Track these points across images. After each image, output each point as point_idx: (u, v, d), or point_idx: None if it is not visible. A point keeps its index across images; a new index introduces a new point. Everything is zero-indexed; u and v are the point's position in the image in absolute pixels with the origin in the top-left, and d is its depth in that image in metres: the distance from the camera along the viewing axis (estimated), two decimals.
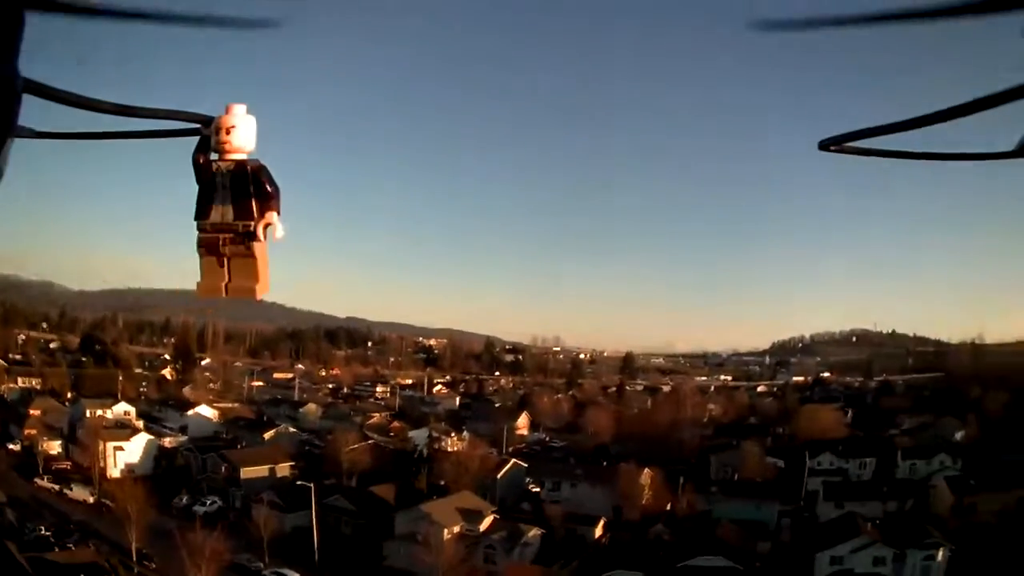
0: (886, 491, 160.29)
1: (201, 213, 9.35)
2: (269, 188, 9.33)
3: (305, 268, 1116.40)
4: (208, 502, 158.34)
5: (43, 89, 6.54)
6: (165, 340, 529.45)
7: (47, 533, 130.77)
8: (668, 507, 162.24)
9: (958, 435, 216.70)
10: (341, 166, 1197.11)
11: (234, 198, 9.28)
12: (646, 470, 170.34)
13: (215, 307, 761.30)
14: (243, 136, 9.23)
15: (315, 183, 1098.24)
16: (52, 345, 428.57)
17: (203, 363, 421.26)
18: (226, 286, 9.58)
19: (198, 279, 9.70)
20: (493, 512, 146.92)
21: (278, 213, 9.40)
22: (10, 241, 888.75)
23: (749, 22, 6.18)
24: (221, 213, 9.30)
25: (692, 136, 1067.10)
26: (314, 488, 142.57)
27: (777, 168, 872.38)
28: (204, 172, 9.32)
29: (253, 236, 9.31)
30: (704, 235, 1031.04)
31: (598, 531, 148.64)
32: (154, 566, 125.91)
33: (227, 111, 9.21)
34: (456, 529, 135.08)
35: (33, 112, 6.75)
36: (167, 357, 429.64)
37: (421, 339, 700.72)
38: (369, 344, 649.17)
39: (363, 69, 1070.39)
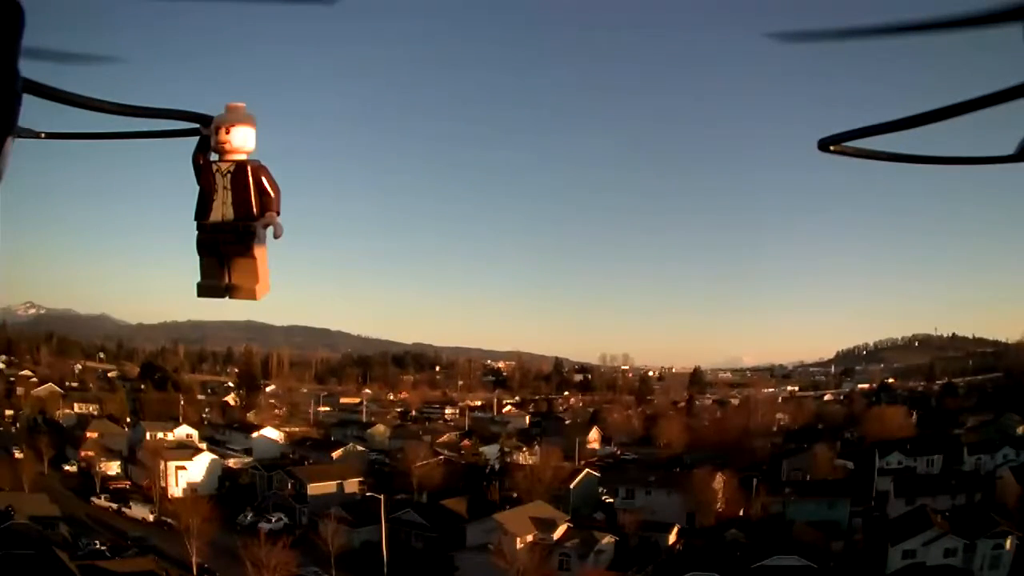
0: (954, 484, 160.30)
1: (201, 213, 9.09)
2: (269, 188, 9.07)
3: (369, 297, 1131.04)
4: (274, 519, 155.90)
5: (43, 89, 6.68)
6: (228, 369, 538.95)
7: (102, 547, 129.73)
8: (742, 511, 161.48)
9: (1020, 429, 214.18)
10: (382, 184, 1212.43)
11: (234, 198, 9.00)
12: (719, 475, 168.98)
13: (279, 334, 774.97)
14: (243, 136, 8.91)
15: (366, 206, 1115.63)
16: (110, 374, 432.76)
17: (268, 390, 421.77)
18: (226, 287, 9.21)
19: (198, 279, 9.31)
20: (566, 521, 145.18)
21: (278, 213, 9.12)
22: (65, 276, 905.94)
23: (765, 32, 6.56)
24: (221, 213, 9.04)
25: (746, 148, 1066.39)
26: (384, 500, 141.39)
27: (833, 178, 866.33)
28: (204, 172, 9.05)
29: (253, 236, 9.04)
30: (765, 250, 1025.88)
31: (672, 537, 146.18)
32: None
33: (227, 111, 8.89)
34: (529, 538, 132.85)
35: (33, 112, 6.78)
36: (230, 384, 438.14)
37: (489, 362, 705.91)
38: (437, 368, 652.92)
39: (367, 69, 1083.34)
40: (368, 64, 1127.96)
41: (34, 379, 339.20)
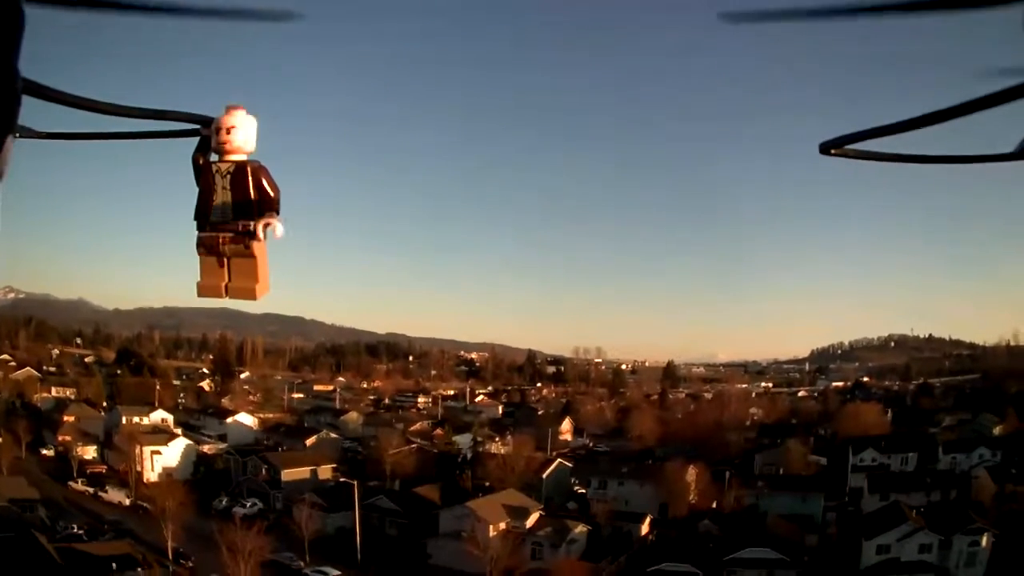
0: (929, 482, 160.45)
1: (201, 213, 9.31)
2: (269, 188, 9.26)
3: (343, 286, 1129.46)
4: (248, 504, 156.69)
5: (43, 89, 6.59)
6: (203, 356, 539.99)
7: (80, 531, 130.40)
8: (715, 504, 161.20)
9: (996, 430, 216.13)
10: (364, 176, 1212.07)
11: (234, 198, 9.19)
12: (691, 468, 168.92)
13: (254, 323, 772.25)
14: (243, 136, 9.14)
15: (342, 198, 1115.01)
16: (87, 359, 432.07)
17: (242, 376, 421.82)
18: (226, 286, 9.47)
19: (198, 279, 9.57)
20: (539, 510, 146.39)
21: (278, 213, 9.31)
22: (42, 261, 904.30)
23: (719, 14, 6.08)
24: (221, 213, 9.22)
25: (728, 146, 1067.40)
26: (357, 486, 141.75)
27: (813, 177, 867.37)
28: (204, 172, 9.28)
29: (253, 236, 9.20)
30: (741, 247, 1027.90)
31: (645, 528, 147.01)
32: (191, 564, 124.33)
33: (227, 111, 9.11)
34: (502, 526, 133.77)
35: (33, 112, 6.76)
36: (205, 371, 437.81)
37: (462, 353, 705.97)
38: (410, 358, 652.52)
39: (367, 68, 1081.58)
40: (356, 59, 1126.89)
41: (12, 363, 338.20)
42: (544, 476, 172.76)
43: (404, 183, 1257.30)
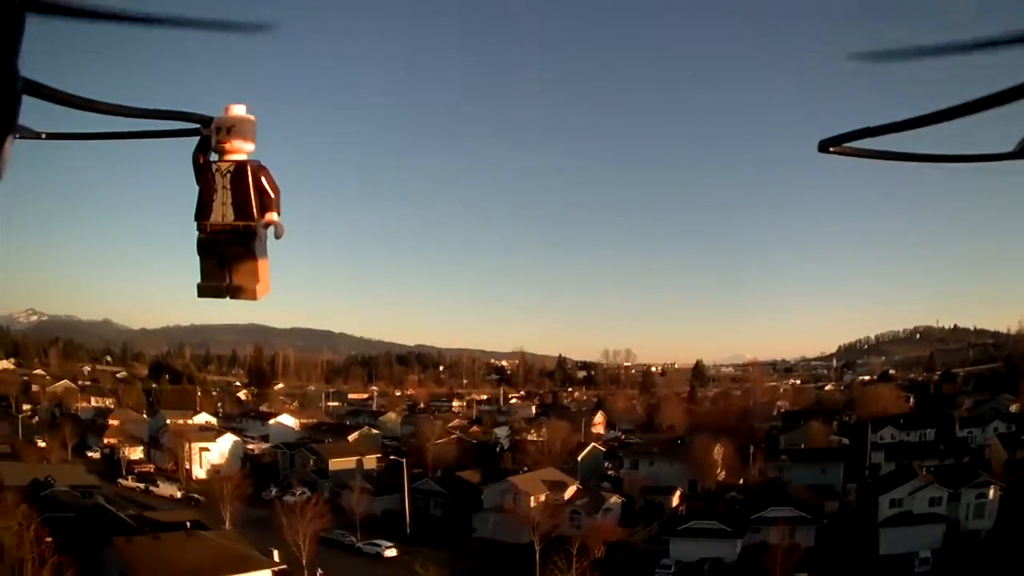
0: (943, 449, 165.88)
1: (201, 213, 9.39)
2: (269, 188, 9.43)
3: (369, 299, 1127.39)
4: (297, 492, 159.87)
5: (42, 89, 6.67)
6: (233, 371, 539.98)
7: None
8: (741, 480, 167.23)
9: (1013, 407, 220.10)
10: (383, 187, 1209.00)
11: (234, 198, 9.32)
12: (718, 446, 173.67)
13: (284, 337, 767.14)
14: (243, 136, 9.30)
15: (365, 210, 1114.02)
16: (119, 375, 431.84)
17: (277, 388, 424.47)
18: (227, 287, 9.61)
19: (198, 280, 9.67)
20: (576, 483, 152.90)
21: (278, 213, 9.51)
22: (67, 281, 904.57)
23: (849, 54, 6.34)
24: (221, 213, 9.34)
25: (749, 150, 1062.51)
26: (405, 464, 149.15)
27: (832, 175, 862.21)
28: (204, 172, 9.39)
29: (254, 236, 9.40)
30: (766, 247, 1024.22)
31: (675, 500, 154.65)
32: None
33: (227, 111, 9.31)
34: (542, 498, 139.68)
35: (33, 113, 6.95)
36: (238, 384, 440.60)
37: (492, 361, 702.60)
38: (440, 368, 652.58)
39: (367, 68, 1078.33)
40: (370, 66, 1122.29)
41: (48, 378, 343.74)
42: (579, 459, 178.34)
43: (428, 194, 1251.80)
